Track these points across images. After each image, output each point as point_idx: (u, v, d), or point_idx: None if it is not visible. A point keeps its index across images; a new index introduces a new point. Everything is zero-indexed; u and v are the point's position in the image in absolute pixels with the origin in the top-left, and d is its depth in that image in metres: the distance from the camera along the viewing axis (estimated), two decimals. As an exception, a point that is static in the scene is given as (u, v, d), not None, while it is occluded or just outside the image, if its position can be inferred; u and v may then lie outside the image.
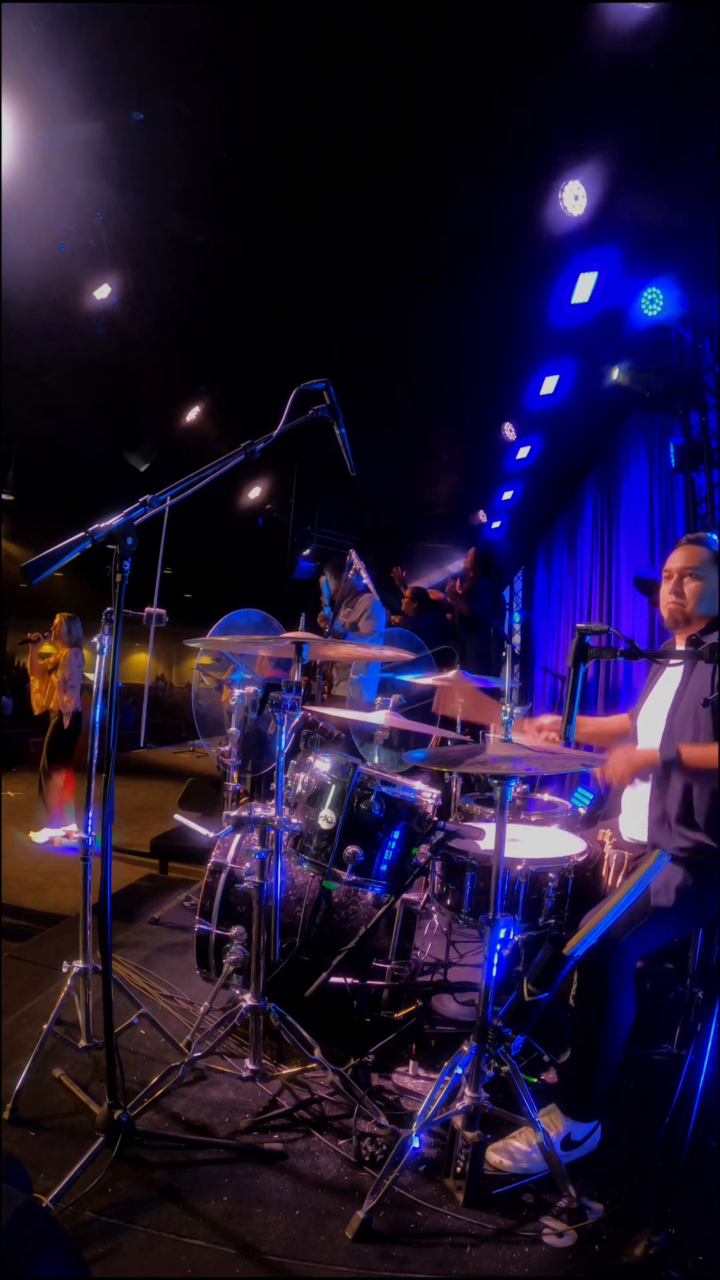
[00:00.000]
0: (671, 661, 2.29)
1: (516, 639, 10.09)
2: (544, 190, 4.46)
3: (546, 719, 2.52)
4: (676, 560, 2.32)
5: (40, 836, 5.17)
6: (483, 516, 9.92)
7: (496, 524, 9.87)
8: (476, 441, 8.40)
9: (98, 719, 2.35)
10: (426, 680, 3.66)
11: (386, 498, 10.56)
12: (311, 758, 2.55)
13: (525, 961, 2.47)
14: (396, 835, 2.34)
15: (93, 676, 2.34)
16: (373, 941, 2.42)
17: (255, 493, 10.64)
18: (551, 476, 8.12)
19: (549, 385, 6.31)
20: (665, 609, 2.34)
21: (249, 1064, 2.20)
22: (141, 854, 4.79)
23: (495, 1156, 1.94)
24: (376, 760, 3.44)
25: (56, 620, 5.54)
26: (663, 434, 5.43)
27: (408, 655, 2.99)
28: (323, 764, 2.44)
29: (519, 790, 2.93)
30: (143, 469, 7.99)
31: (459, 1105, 1.85)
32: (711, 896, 2.03)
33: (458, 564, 9.85)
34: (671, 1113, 1.85)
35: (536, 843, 2.37)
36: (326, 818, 2.33)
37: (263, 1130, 2.05)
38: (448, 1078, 1.90)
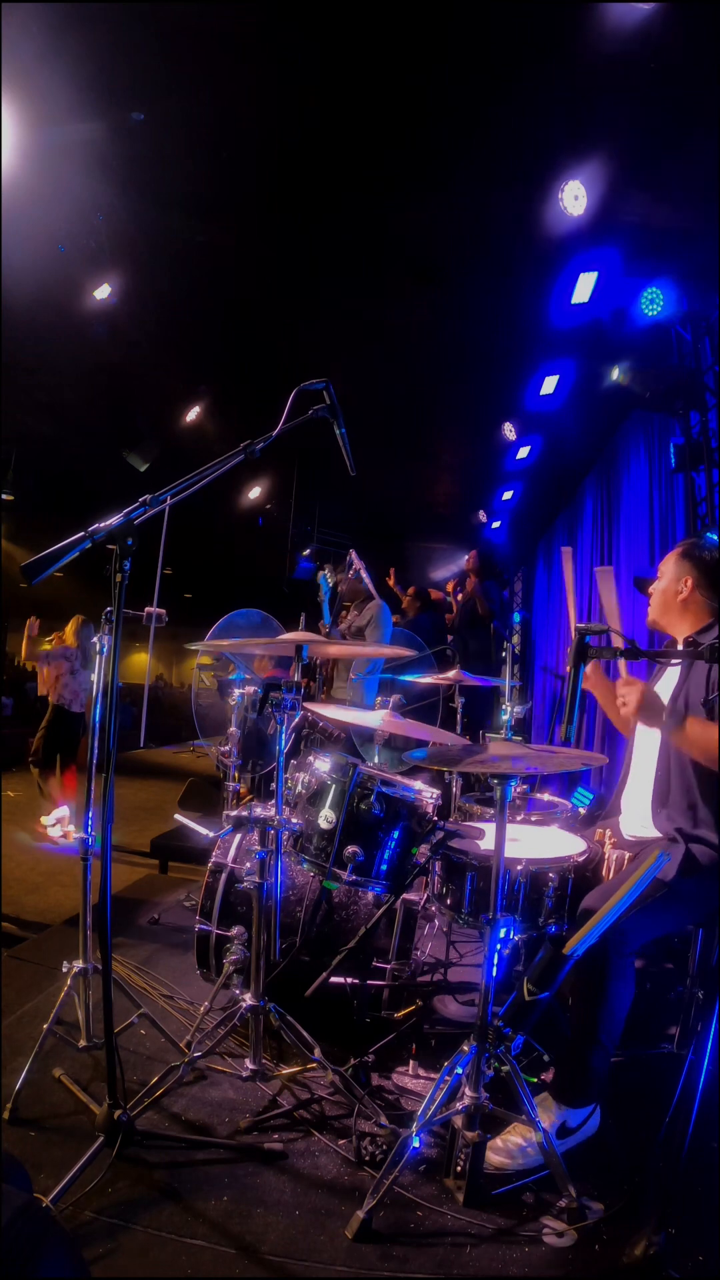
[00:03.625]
0: (671, 661, 2.29)
1: (516, 639, 10.09)
2: (544, 190, 4.46)
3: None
4: None
5: (49, 820, 5.19)
6: (483, 516, 9.92)
7: (496, 524, 9.87)
8: (476, 441, 8.39)
9: (98, 719, 2.35)
10: (426, 680, 3.66)
11: (386, 498, 10.56)
12: (311, 758, 2.55)
13: (525, 961, 2.47)
14: (396, 835, 2.34)
15: (93, 676, 2.34)
16: (373, 941, 2.41)
17: (255, 493, 10.65)
18: (551, 476, 8.11)
19: (549, 385, 6.30)
20: None
21: (249, 1064, 2.19)
22: (141, 854, 4.79)
23: (495, 1157, 1.94)
24: (376, 760, 3.44)
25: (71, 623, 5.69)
26: (663, 434, 5.43)
27: (407, 653, 2.99)
28: (323, 764, 2.44)
29: (519, 790, 2.94)
30: (143, 469, 8.00)
31: (459, 1105, 1.85)
32: (712, 892, 2.03)
33: (460, 563, 9.87)
34: (671, 1113, 1.85)
35: (536, 843, 2.37)
36: (326, 818, 2.33)
37: (263, 1130, 2.05)
38: (448, 1077, 1.90)
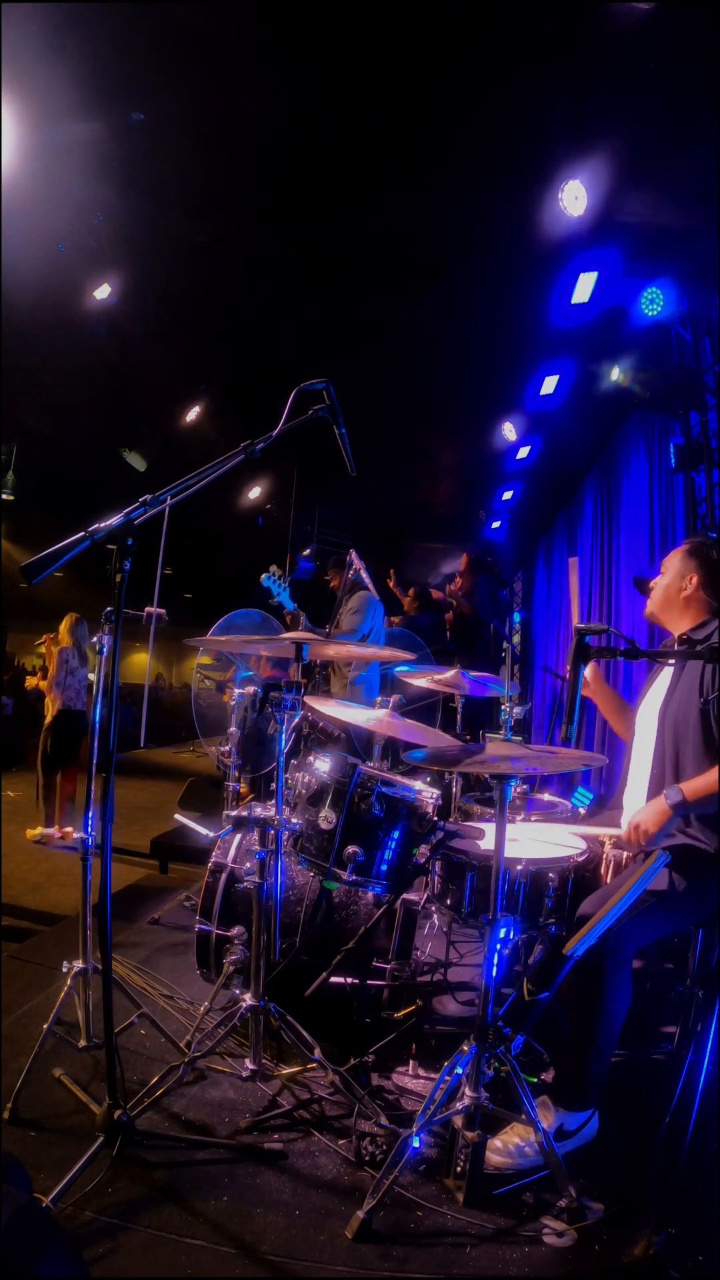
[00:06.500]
0: (670, 661, 2.29)
1: (516, 639, 10.09)
2: (544, 190, 4.46)
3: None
4: None
5: (36, 835, 5.17)
6: (483, 516, 9.92)
7: (496, 524, 9.87)
8: (476, 441, 8.39)
9: (98, 719, 2.35)
10: (422, 681, 3.65)
11: (386, 498, 10.56)
12: (311, 758, 2.55)
13: (525, 961, 2.47)
14: (396, 835, 2.33)
15: (93, 676, 2.35)
16: (373, 941, 2.41)
17: (255, 493, 10.64)
18: (551, 476, 8.11)
19: (549, 385, 6.30)
20: None
21: (249, 1064, 2.19)
22: (141, 854, 4.79)
23: (494, 1157, 1.94)
24: (376, 760, 3.44)
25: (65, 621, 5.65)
26: (663, 434, 5.43)
27: (406, 655, 2.99)
28: (323, 764, 2.44)
29: (519, 790, 2.93)
30: (143, 469, 7.99)
31: (459, 1105, 1.85)
32: (709, 896, 2.03)
33: (455, 564, 9.88)
34: (671, 1113, 1.85)
35: (536, 842, 2.37)
36: (326, 818, 2.33)
37: (263, 1130, 2.05)
38: (448, 1077, 1.90)
